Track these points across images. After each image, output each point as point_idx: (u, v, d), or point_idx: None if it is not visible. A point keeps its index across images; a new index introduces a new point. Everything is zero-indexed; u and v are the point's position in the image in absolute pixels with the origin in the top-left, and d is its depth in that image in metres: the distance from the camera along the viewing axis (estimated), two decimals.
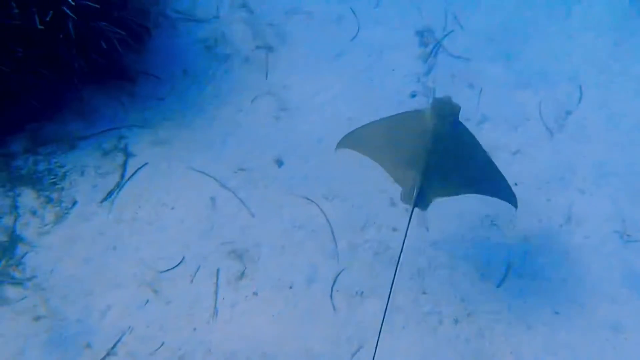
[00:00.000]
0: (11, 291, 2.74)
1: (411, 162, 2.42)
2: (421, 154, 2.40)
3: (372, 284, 2.86)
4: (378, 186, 3.27)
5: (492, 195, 2.58)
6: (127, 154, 3.32)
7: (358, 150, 2.58)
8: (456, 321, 2.78)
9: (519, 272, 3.00)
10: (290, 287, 2.83)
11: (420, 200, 2.39)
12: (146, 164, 3.28)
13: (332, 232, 3.06)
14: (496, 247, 3.08)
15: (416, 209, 2.40)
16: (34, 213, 3.01)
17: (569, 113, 3.86)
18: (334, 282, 2.87)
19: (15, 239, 2.90)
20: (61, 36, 3.04)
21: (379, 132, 2.56)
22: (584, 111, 3.87)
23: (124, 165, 3.27)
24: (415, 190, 2.35)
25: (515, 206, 2.57)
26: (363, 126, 2.58)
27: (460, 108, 2.44)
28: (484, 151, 2.54)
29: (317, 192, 3.20)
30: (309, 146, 3.47)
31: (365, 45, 4.27)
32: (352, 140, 2.58)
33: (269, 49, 4.29)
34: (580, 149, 3.65)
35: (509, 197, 2.56)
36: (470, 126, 3.08)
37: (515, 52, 4.20)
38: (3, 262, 2.81)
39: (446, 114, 2.39)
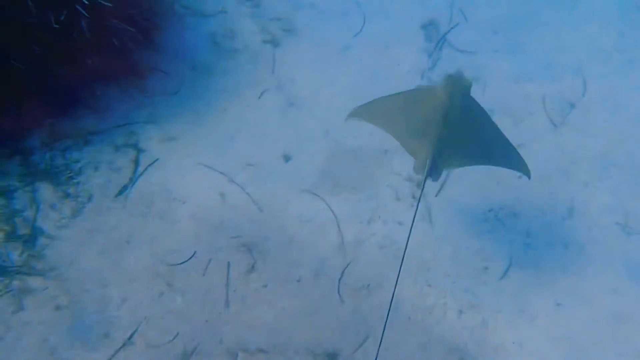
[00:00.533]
0: (34, 282, 2.77)
1: (423, 134, 2.41)
2: (433, 126, 2.40)
3: (378, 277, 2.86)
4: (384, 180, 3.24)
5: (504, 166, 2.55)
6: (139, 150, 3.31)
7: (370, 121, 2.56)
8: (460, 312, 2.78)
9: (522, 264, 2.98)
10: (298, 281, 2.83)
11: (433, 170, 2.39)
12: (157, 159, 3.27)
13: (339, 226, 3.05)
14: (499, 241, 3.05)
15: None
16: (52, 207, 3.02)
17: (573, 106, 3.78)
18: (341, 275, 2.87)
19: (36, 231, 2.91)
20: (75, 34, 3.01)
21: (391, 104, 2.54)
22: (588, 104, 3.78)
23: (136, 161, 3.26)
24: (427, 161, 2.35)
25: (529, 176, 2.53)
26: (376, 99, 2.54)
27: (472, 83, 2.45)
28: (495, 125, 2.51)
29: (323, 187, 3.17)
30: (316, 141, 3.43)
31: (371, 39, 4.19)
32: (365, 111, 2.55)
33: (276, 43, 4.24)
34: (583, 141, 3.57)
35: (521, 167, 2.52)
36: None
37: (520, 45, 4.10)
38: (26, 254, 2.83)
39: (458, 89, 2.39)
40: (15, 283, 2.75)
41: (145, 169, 3.23)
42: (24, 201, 3.02)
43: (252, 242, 2.94)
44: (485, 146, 2.51)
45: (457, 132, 2.43)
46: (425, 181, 2.37)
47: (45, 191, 3.06)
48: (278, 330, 2.68)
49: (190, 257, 2.89)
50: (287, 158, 3.35)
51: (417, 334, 2.65)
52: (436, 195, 3.20)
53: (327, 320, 2.71)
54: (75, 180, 3.13)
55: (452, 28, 4.18)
